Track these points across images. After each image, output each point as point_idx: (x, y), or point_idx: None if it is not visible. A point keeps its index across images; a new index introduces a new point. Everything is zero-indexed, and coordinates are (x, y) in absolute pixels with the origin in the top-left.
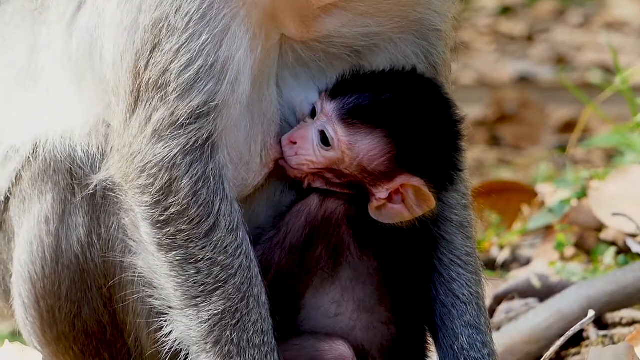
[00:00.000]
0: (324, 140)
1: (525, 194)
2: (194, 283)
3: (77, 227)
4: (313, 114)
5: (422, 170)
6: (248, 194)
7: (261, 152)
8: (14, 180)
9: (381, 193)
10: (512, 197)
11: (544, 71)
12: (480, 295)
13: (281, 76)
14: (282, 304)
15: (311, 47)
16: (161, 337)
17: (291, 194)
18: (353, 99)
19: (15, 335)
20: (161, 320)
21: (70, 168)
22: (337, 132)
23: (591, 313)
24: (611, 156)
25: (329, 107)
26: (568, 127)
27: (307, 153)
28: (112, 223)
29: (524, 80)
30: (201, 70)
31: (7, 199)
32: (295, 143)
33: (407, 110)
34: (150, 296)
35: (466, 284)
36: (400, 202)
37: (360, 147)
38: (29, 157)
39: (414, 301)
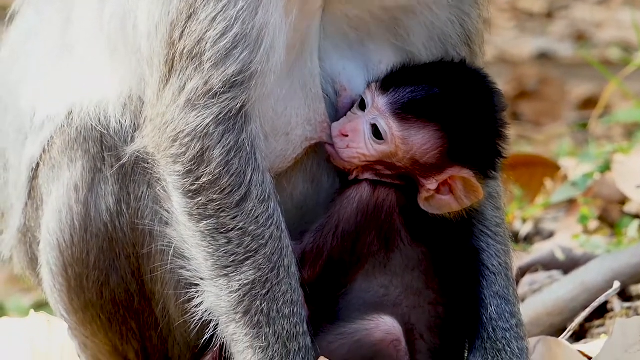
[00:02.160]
0: (377, 133)
1: (548, 167)
2: (225, 253)
3: (107, 195)
4: (362, 105)
5: (471, 161)
6: (288, 165)
7: (304, 124)
8: (46, 147)
9: (431, 184)
10: (535, 171)
11: (563, 48)
12: (509, 266)
13: (322, 47)
14: (330, 290)
15: (349, 14)
16: (190, 307)
17: (328, 167)
18: (407, 93)
19: (39, 307)
20: (190, 291)
21: (102, 137)
22: (391, 127)
23: (617, 284)
24: (631, 133)
25: (381, 101)
26: (588, 103)
27: (359, 146)
28: (142, 192)
29: (543, 57)
30: (237, 39)
31: (37, 166)
32: (346, 135)
33: (459, 103)
34: (181, 267)
35: (495, 254)
36: (448, 193)
37: (414, 141)
38: (62, 125)
39: (461, 282)
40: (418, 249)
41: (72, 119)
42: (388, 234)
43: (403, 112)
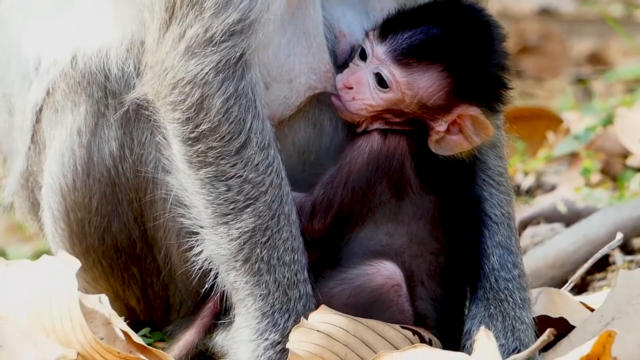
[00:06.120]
0: (381, 82)
1: (551, 120)
2: (225, 200)
3: (109, 140)
4: (363, 55)
5: (477, 97)
6: (291, 113)
7: (308, 72)
8: (50, 91)
9: (440, 126)
10: (537, 124)
11: (565, 4)
12: (512, 216)
13: None
14: (334, 238)
15: None
16: (191, 256)
17: (330, 112)
18: (405, 38)
19: (39, 256)
20: (191, 240)
21: (105, 82)
22: (394, 74)
23: (619, 236)
24: (632, 89)
25: (381, 50)
26: (589, 59)
27: (365, 97)
28: (145, 138)
29: (545, 13)
30: None
31: (40, 109)
32: (351, 88)
33: (459, 40)
34: (181, 215)
35: (498, 204)
36: (458, 133)
37: (420, 85)
38: (66, 69)
39: (464, 231)
40: (427, 197)
41: (76, 63)
42: (399, 182)
43: (404, 58)
